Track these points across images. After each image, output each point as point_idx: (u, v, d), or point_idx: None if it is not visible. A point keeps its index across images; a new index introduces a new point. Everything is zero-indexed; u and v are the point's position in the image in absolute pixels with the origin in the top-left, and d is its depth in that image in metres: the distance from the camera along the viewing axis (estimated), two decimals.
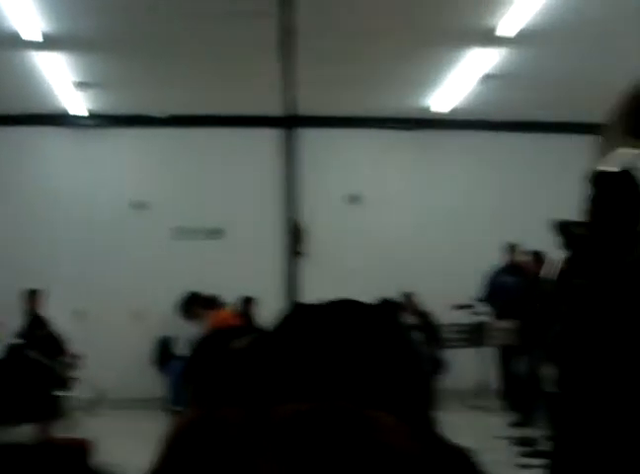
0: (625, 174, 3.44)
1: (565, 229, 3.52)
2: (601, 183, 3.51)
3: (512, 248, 10.51)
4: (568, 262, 3.73)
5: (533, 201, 11.83)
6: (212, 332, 1.55)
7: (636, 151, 3.40)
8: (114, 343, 11.12)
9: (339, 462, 0.86)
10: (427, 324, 10.21)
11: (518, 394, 9.81)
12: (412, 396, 1.18)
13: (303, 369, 1.13)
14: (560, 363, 3.50)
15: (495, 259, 10.57)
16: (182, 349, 9.17)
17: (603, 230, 3.52)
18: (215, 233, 12.13)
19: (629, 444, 3.19)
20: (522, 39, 8.61)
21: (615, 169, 3.35)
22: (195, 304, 10.09)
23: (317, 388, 1.07)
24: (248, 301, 11.19)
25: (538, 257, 9.21)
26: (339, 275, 11.53)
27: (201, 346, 1.40)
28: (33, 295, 10.04)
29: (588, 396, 3.44)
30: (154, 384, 10.38)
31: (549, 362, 7.81)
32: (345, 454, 0.86)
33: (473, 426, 9.14)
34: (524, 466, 7.05)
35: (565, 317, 3.59)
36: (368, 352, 1.16)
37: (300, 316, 1.23)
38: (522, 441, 7.86)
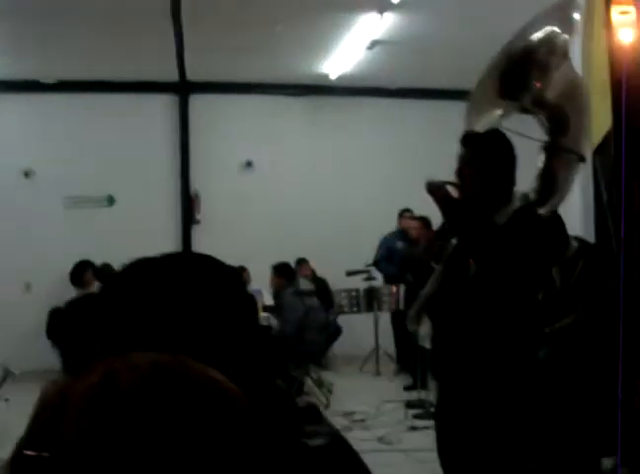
0: (495, 133, 3.51)
1: (436, 189, 3.60)
2: (471, 143, 3.60)
3: (401, 213, 10.64)
4: (442, 224, 3.83)
5: (425, 167, 11.96)
6: (75, 298, 1.51)
7: (500, 112, 3.46)
8: (7, 316, 10.84)
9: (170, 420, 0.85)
10: (321, 290, 10.27)
11: (410, 358, 10.00)
12: (247, 356, 1.16)
13: (134, 323, 1.12)
14: (433, 322, 3.59)
15: (389, 224, 10.68)
16: None
17: (474, 190, 3.61)
18: (107, 201, 11.93)
19: (497, 395, 3.28)
20: (410, 4, 8.68)
21: (480, 129, 3.42)
22: (86, 273, 9.92)
23: (145, 341, 1.06)
24: None
25: (426, 222, 9.36)
26: (233, 242, 11.49)
27: (63, 311, 1.37)
28: None
29: (459, 353, 3.52)
30: (52, 356, 10.19)
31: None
32: (177, 413, 0.86)
33: (368, 389, 9.30)
34: (415, 428, 7.21)
35: (438, 277, 3.69)
36: (203, 306, 1.15)
37: (136, 270, 1.20)
38: (414, 404, 8.02)
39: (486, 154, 3.59)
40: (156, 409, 0.85)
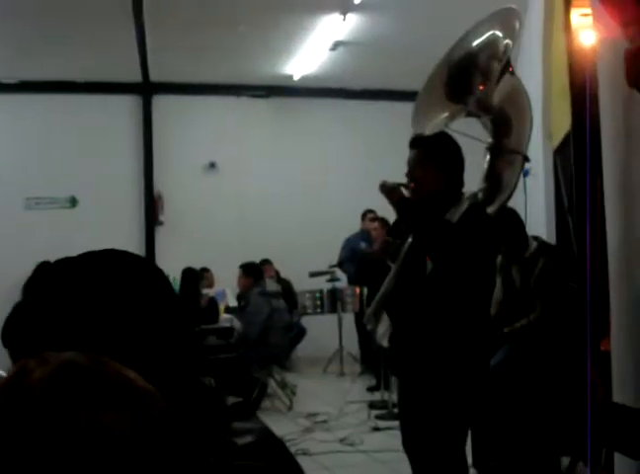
0: (443, 135, 3.59)
1: (390, 190, 3.68)
2: (420, 145, 3.67)
3: (364, 214, 10.66)
4: (394, 223, 3.92)
5: (388, 168, 11.99)
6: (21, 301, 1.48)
7: (447, 115, 3.51)
8: None
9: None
10: (285, 291, 10.25)
11: (372, 359, 10.01)
12: (168, 354, 1.15)
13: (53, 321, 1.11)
14: (392, 320, 3.61)
15: (352, 226, 10.69)
16: None
17: (425, 190, 3.67)
18: (70, 202, 11.83)
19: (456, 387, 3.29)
20: (372, 6, 8.71)
21: (428, 132, 3.47)
22: None
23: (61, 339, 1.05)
24: None
25: (384, 222, 9.41)
26: (196, 243, 11.48)
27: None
28: None
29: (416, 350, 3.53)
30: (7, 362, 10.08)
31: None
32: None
33: (331, 391, 9.28)
34: (378, 429, 7.21)
35: (394, 276, 3.73)
36: (121, 304, 1.14)
37: (54, 269, 1.19)
38: (377, 405, 8.02)
39: (435, 156, 3.66)
40: (64, 406, 0.84)
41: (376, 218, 9.65)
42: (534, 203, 3.72)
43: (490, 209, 3.62)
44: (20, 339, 1.15)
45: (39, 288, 1.17)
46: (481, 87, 3.66)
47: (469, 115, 3.84)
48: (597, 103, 3.67)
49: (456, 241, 3.41)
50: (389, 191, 3.71)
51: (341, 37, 9.84)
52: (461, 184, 3.71)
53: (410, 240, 3.67)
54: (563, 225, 6.63)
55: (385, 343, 3.74)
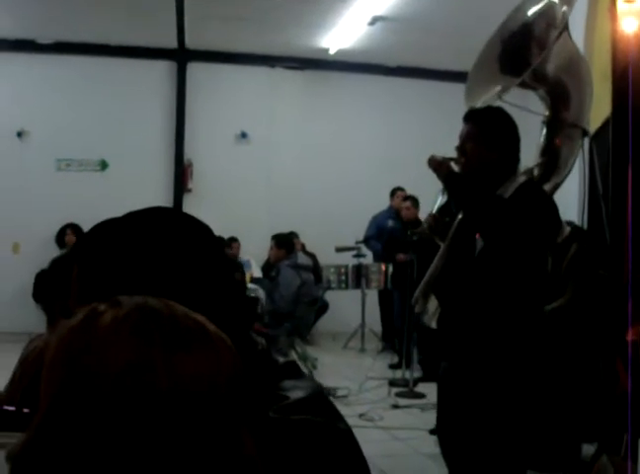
0: (498, 110, 3.47)
1: (438, 165, 3.57)
2: (474, 119, 3.55)
3: (393, 192, 10.63)
4: (445, 201, 3.78)
5: (420, 147, 11.96)
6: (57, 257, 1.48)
7: (500, 87, 3.43)
8: None
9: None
10: (312, 265, 10.27)
11: (395, 336, 10.01)
12: (224, 309, 1.14)
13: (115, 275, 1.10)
14: (441, 300, 3.51)
15: (381, 202, 10.66)
16: None
17: (477, 165, 3.56)
18: (100, 165, 11.86)
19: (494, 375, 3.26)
20: None
21: (480, 104, 3.38)
22: (68, 234, 9.92)
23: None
24: None
25: (415, 201, 9.38)
26: (224, 212, 11.48)
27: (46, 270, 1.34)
28: None
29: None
30: (38, 319, 10.15)
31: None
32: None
33: (351, 366, 9.31)
34: (397, 406, 7.22)
35: (443, 255, 3.64)
36: (179, 259, 1.13)
37: (110, 226, 1.18)
38: (397, 382, 8.03)
39: (488, 132, 3.55)
40: (139, 347, 0.83)
41: (408, 197, 9.62)
42: (567, 188, 3.66)
43: (546, 187, 3.51)
44: (58, 294, 1.15)
45: (93, 245, 1.16)
46: (537, 57, 3.53)
47: (525, 86, 3.72)
48: (638, 89, 3.62)
49: (508, 217, 3.32)
50: (437, 164, 3.61)
51: (380, 12, 9.76)
52: (516, 160, 3.59)
53: (459, 217, 3.57)
54: (596, 212, 6.56)
55: (434, 324, 3.65)
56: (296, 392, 1.16)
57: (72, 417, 0.81)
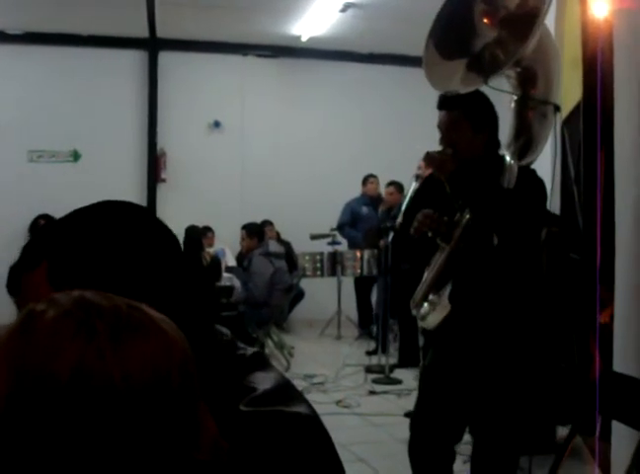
0: (474, 93, 3.36)
1: (438, 161, 3.40)
2: (451, 105, 3.44)
3: (365, 179, 10.65)
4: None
5: (392, 134, 11.99)
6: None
7: (464, 70, 3.33)
8: None
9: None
10: (286, 253, 10.27)
11: (371, 323, 10.05)
12: (184, 302, 1.15)
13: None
14: (455, 302, 3.41)
15: (354, 189, 10.68)
16: None
17: (470, 154, 3.47)
18: (72, 156, 11.79)
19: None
20: None
21: (463, 90, 3.28)
22: (39, 226, 9.85)
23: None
24: None
25: (399, 187, 9.39)
26: (198, 202, 11.47)
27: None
28: None
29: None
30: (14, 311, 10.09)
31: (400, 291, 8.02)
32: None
33: (328, 353, 9.34)
34: (374, 392, 7.26)
35: (448, 257, 3.56)
36: (126, 251, 1.14)
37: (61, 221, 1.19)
38: (373, 369, 8.07)
39: (471, 116, 3.42)
40: (84, 342, 0.83)
41: (391, 182, 9.63)
42: (540, 173, 3.66)
43: (521, 163, 3.41)
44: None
45: (48, 238, 1.16)
46: (525, 44, 3.33)
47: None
48: (608, 74, 3.63)
49: (520, 210, 3.24)
50: (440, 163, 3.40)
51: None
52: (498, 144, 3.49)
53: (467, 216, 3.36)
54: (568, 196, 6.62)
55: (431, 325, 3.51)
56: (264, 383, 1.16)
57: (25, 418, 0.81)
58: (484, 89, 3.42)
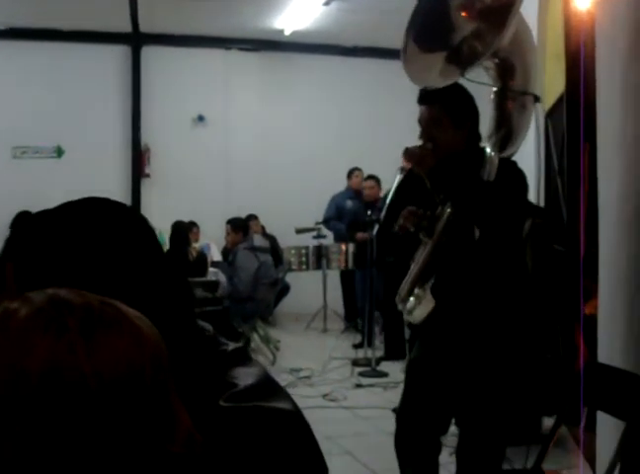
0: (453, 86, 3.33)
1: (418, 157, 3.39)
2: (431, 100, 3.43)
3: (350, 172, 10.66)
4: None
5: (376, 127, 11.99)
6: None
7: (442, 63, 3.31)
8: None
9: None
10: (271, 247, 10.27)
11: (357, 316, 10.07)
12: (163, 298, 1.15)
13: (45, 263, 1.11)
14: (438, 295, 3.40)
15: (339, 183, 10.68)
16: None
17: (450, 149, 3.45)
18: (56, 152, 11.75)
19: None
20: None
21: (442, 84, 3.26)
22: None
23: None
24: None
25: (378, 181, 9.41)
26: (182, 197, 11.46)
27: None
28: None
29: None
30: None
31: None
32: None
33: (314, 347, 9.35)
34: (360, 385, 7.28)
35: (432, 251, 3.56)
36: (104, 248, 1.13)
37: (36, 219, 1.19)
38: (360, 362, 8.09)
39: (451, 110, 3.40)
40: (58, 339, 0.83)
41: (370, 176, 9.64)
42: (524, 165, 3.66)
43: (502, 155, 3.41)
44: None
45: (21, 237, 1.16)
46: (501, 34, 3.30)
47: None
48: (591, 66, 3.64)
49: (502, 202, 3.23)
50: (420, 159, 3.38)
51: None
52: (479, 137, 3.46)
53: (448, 210, 3.35)
54: (552, 188, 6.64)
55: (417, 320, 3.51)
56: (245, 379, 1.16)
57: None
58: (464, 82, 3.41)
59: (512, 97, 3.48)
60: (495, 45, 3.22)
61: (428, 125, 3.42)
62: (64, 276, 1.08)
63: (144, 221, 1.23)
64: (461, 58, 3.38)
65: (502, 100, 3.47)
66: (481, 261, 3.34)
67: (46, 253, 1.11)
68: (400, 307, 3.60)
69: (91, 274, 1.10)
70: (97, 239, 1.14)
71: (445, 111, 3.39)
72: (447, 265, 3.43)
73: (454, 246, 3.38)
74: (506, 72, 3.46)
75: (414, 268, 3.51)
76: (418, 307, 3.47)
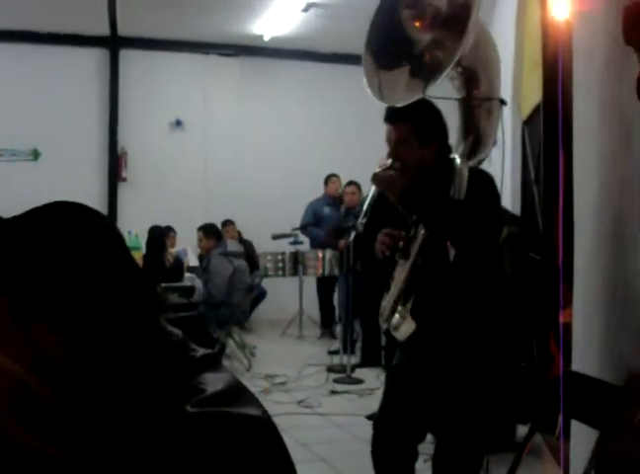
0: (420, 102, 3.30)
1: (388, 182, 3.37)
2: (397, 119, 3.39)
3: (327, 179, 10.67)
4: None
5: (354, 134, 12.00)
6: None
7: (406, 78, 3.25)
8: None
9: None
10: (247, 252, 10.25)
11: (333, 323, 10.07)
12: (125, 303, 1.15)
13: None
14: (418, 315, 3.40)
15: (318, 189, 10.69)
16: None
17: (418, 169, 3.44)
18: (32, 155, 11.67)
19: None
20: None
21: (404, 102, 3.21)
22: None
23: None
24: None
25: (359, 187, 9.42)
26: (159, 201, 11.42)
27: None
28: None
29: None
30: None
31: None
32: None
33: (289, 353, 9.33)
34: (335, 392, 7.27)
35: (410, 271, 3.55)
36: (69, 254, 1.13)
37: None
38: (335, 368, 8.08)
39: (418, 128, 3.38)
40: None
41: (351, 182, 9.65)
42: (499, 174, 3.65)
43: (470, 163, 3.41)
44: None
45: None
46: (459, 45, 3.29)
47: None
48: (568, 77, 3.66)
49: (474, 218, 3.22)
50: (388, 183, 3.37)
51: None
52: (449, 150, 3.45)
53: (422, 231, 3.33)
54: (528, 196, 6.69)
55: (402, 336, 3.50)
56: (214, 385, 1.16)
57: None
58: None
59: (477, 104, 3.48)
60: (457, 52, 3.20)
61: (396, 145, 3.41)
62: (28, 281, 1.08)
63: (111, 226, 1.22)
64: (426, 69, 3.36)
65: (467, 108, 3.47)
66: (458, 281, 3.34)
67: (10, 259, 1.11)
68: (385, 326, 3.58)
69: (57, 278, 1.09)
70: (61, 244, 1.13)
71: (413, 129, 3.38)
72: (425, 286, 3.43)
73: (430, 267, 3.38)
74: (470, 81, 3.45)
75: (394, 289, 3.48)
76: (403, 324, 3.46)
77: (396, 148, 3.40)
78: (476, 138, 3.45)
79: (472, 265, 3.31)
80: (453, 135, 3.51)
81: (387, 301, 3.50)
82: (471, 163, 3.40)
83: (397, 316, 3.44)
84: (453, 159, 3.37)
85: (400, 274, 3.42)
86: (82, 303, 1.06)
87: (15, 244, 1.12)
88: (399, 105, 3.37)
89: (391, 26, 3.45)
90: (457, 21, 3.20)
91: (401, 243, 3.36)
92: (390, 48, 3.45)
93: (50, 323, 1.07)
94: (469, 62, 3.40)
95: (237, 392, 1.18)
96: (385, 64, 3.45)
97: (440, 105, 3.49)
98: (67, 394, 1.05)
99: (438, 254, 3.33)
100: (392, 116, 3.44)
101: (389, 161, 3.43)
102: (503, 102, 3.57)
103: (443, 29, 3.33)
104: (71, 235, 1.15)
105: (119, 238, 1.21)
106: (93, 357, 1.08)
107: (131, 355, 1.11)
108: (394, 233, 3.38)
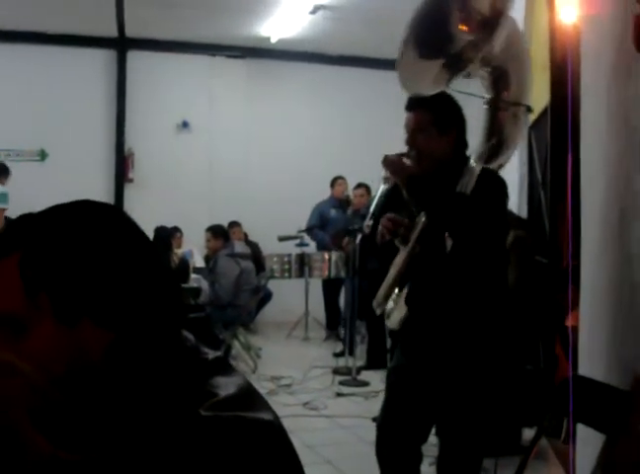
0: (444, 95, 3.32)
1: (396, 165, 3.39)
2: (418, 107, 3.41)
3: (333, 181, 10.66)
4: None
5: (361, 136, 12.00)
6: None
7: (437, 71, 3.30)
8: None
9: None
10: (253, 254, 10.26)
11: (339, 325, 10.06)
12: (143, 307, 1.14)
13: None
14: (411, 303, 3.38)
15: (325, 191, 10.69)
16: None
17: (431, 158, 3.46)
18: (39, 155, 11.69)
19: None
20: None
21: (429, 92, 3.25)
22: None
23: None
24: None
25: (368, 189, 9.41)
26: (166, 203, 11.43)
27: None
28: None
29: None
30: None
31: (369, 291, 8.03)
32: None
33: (295, 355, 9.33)
34: (341, 394, 7.27)
35: (407, 258, 3.56)
36: (93, 254, 1.12)
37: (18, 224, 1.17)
38: (341, 371, 8.08)
39: (440, 114, 3.40)
40: None
41: (360, 184, 9.64)
42: (507, 177, 3.65)
43: (491, 167, 3.41)
44: None
45: (14, 240, 1.14)
46: (488, 42, 3.31)
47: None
48: (576, 80, 3.65)
49: (475, 213, 3.23)
50: (398, 167, 3.38)
51: (321, 0, 9.76)
52: (466, 145, 3.46)
53: (423, 219, 3.37)
54: (535, 200, 6.67)
55: (395, 325, 3.52)
56: (226, 389, 1.16)
57: None
58: (455, 93, 3.42)
59: (503, 107, 3.49)
60: (484, 51, 3.23)
61: (413, 132, 3.42)
62: (61, 275, 1.08)
63: (141, 230, 1.23)
64: (456, 66, 3.39)
65: (494, 110, 3.48)
66: (452, 272, 3.34)
67: (46, 250, 1.10)
68: (378, 311, 3.63)
69: (87, 275, 1.09)
70: (97, 243, 1.13)
71: (431, 117, 3.40)
72: (420, 274, 3.46)
73: (426, 256, 3.41)
74: (499, 82, 3.46)
75: (391, 272, 3.54)
76: (395, 311, 3.49)
77: (413, 135, 3.42)
78: (499, 141, 3.46)
79: (468, 258, 3.31)
80: (474, 136, 3.51)
81: (382, 287, 3.54)
82: (490, 166, 3.41)
83: (391, 303, 3.46)
84: (469, 156, 3.38)
85: (399, 259, 3.46)
86: (126, 299, 1.06)
87: (53, 239, 1.12)
88: (421, 94, 3.40)
89: (441, 21, 3.48)
90: (492, 24, 3.24)
91: (402, 229, 3.41)
92: (433, 41, 3.49)
93: (97, 319, 1.07)
94: (500, 63, 3.41)
95: (249, 396, 1.18)
96: (426, 54, 3.49)
97: (465, 103, 3.50)
98: (97, 396, 1.05)
99: (435, 243, 3.35)
100: (413, 102, 3.47)
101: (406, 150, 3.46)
102: (530, 109, 3.57)
103: (481, 32, 3.36)
104: (106, 232, 1.16)
105: (147, 238, 1.22)
106: (135, 356, 1.09)
107: (159, 357, 1.12)
108: (397, 219, 3.43)
